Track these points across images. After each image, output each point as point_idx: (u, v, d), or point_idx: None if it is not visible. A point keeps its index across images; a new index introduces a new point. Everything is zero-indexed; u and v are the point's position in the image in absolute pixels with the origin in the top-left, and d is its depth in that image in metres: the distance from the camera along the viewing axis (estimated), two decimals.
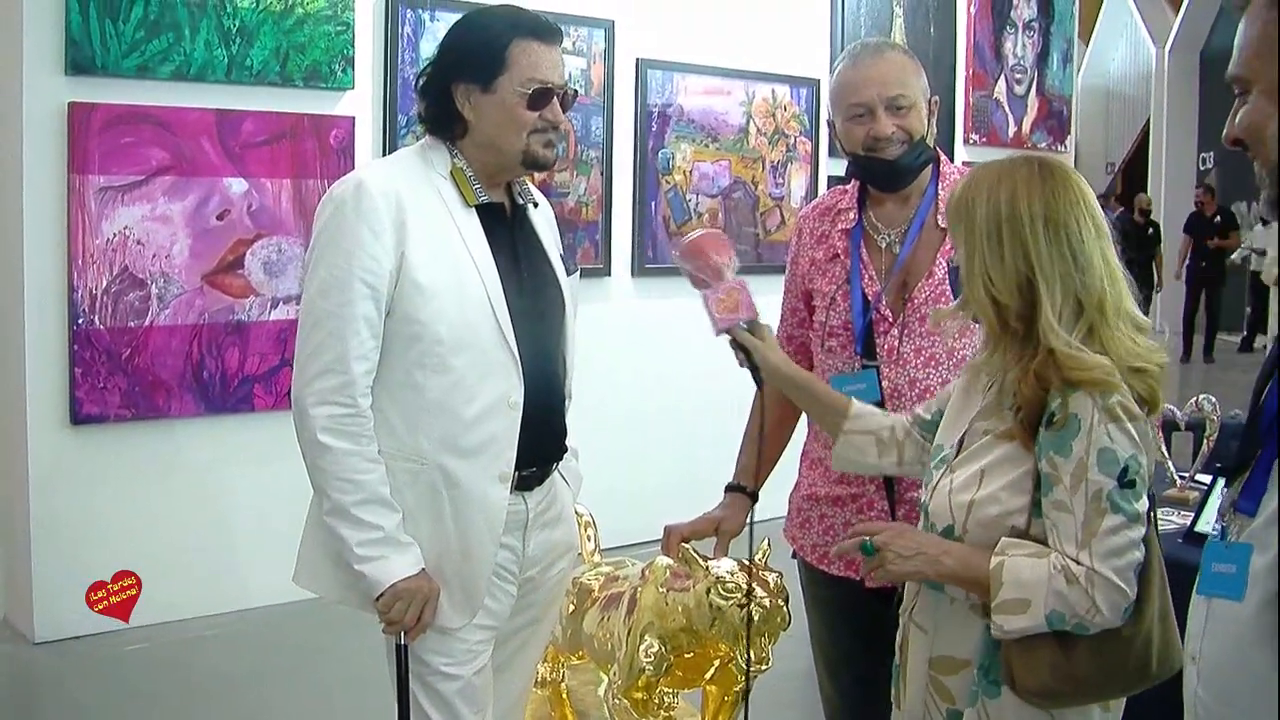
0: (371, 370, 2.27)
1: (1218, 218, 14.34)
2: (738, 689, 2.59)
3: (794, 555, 2.69)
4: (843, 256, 2.57)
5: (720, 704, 2.62)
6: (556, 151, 2.42)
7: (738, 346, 2.30)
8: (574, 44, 5.77)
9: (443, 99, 2.35)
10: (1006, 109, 8.23)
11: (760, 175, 6.60)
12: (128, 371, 4.71)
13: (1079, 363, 1.85)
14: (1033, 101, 8.45)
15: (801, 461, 2.70)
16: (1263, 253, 14.24)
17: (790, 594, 2.43)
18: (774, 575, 2.40)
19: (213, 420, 4.95)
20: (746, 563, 2.41)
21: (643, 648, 2.50)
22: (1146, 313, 2.02)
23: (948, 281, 2.36)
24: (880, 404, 2.46)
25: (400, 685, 2.33)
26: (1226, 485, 1.55)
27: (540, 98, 2.31)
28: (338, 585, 2.35)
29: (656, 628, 2.49)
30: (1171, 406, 3.54)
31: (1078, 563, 1.83)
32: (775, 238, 6.58)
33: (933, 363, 2.46)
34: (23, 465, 4.64)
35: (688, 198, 6.33)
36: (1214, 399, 3.67)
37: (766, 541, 2.52)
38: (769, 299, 2.97)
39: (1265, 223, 13.86)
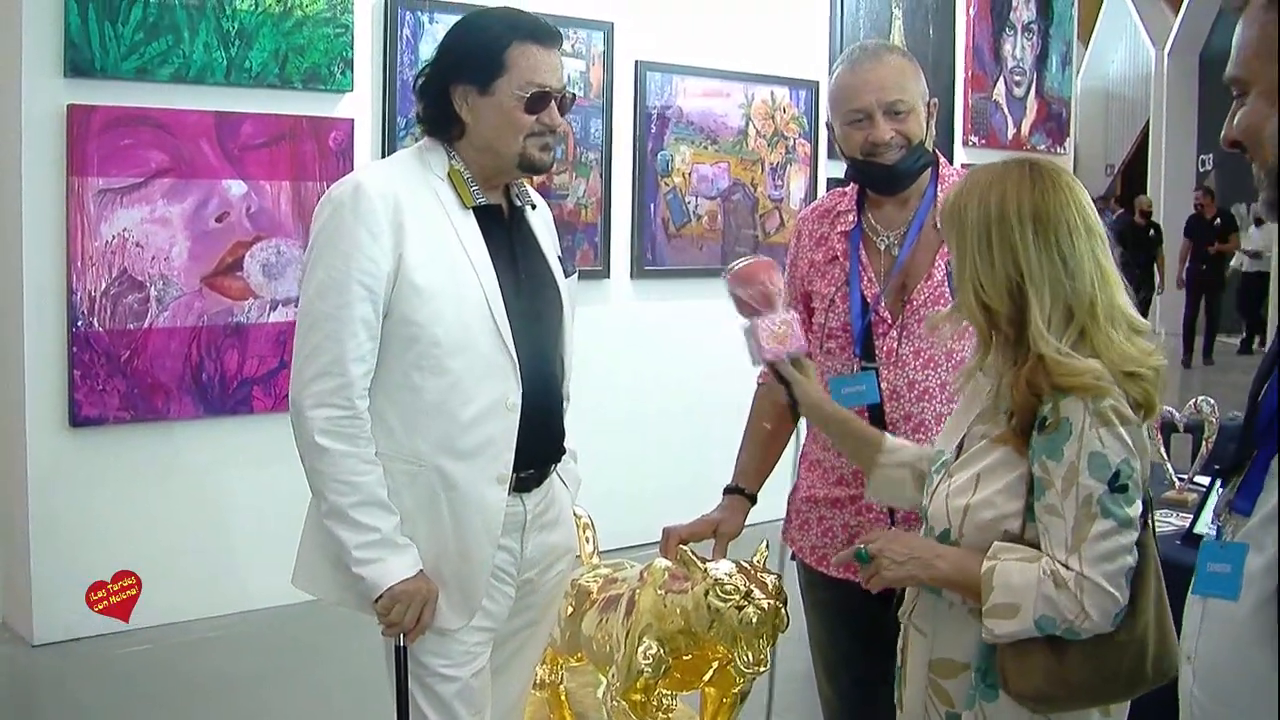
0: (369, 372, 2.27)
1: (1217, 220, 14.34)
2: (736, 691, 2.59)
3: (793, 557, 2.69)
4: (842, 259, 2.57)
5: (719, 706, 2.61)
6: (553, 155, 2.41)
7: (779, 378, 2.29)
8: (573, 46, 5.77)
9: (441, 101, 2.35)
10: (1005, 111, 8.24)
11: (759, 177, 6.60)
12: (127, 374, 4.71)
13: (1068, 369, 1.84)
14: (1032, 103, 8.46)
15: (800, 463, 2.70)
16: (1256, 255, 14.24)
17: (789, 596, 2.42)
18: (772, 577, 2.40)
19: (212, 422, 4.95)
20: (747, 564, 2.41)
21: (641, 650, 2.49)
22: (1146, 315, 2.01)
23: (946, 284, 2.36)
24: (879, 406, 2.46)
25: (399, 687, 2.33)
26: (1222, 486, 1.55)
27: (538, 101, 2.31)
28: (336, 587, 2.35)
29: (655, 630, 2.49)
30: (1170, 408, 3.54)
31: (1067, 567, 1.82)
32: (774, 240, 6.58)
33: (931, 364, 2.46)
34: (22, 467, 4.64)
35: (687, 200, 6.33)
36: (1212, 401, 3.67)
37: (765, 543, 2.52)
38: None
39: (1259, 223, 13.89)
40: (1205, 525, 1.56)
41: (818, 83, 6.66)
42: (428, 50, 5.15)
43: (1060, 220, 1.90)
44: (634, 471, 5.70)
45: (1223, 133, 1.51)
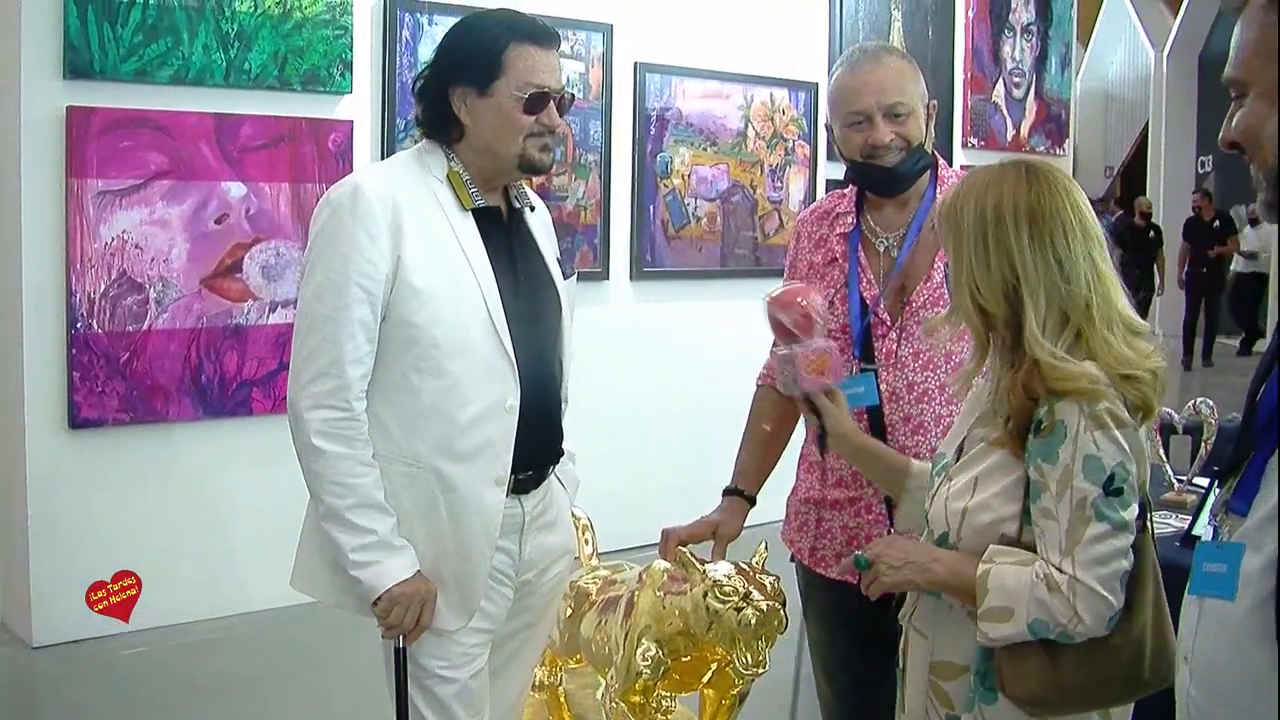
0: (367, 374, 2.27)
1: (1216, 222, 14.34)
2: (735, 692, 2.59)
3: (792, 559, 2.69)
4: (841, 260, 2.58)
5: (718, 707, 2.61)
6: (553, 156, 2.41)
7: (810, 407, 2.28)
8: (572, 48, 5.77)
9: (439, 102, 2.35)
10: (1005, 113, 8.23)
11: (758, 179, 6.60)
12: (126, 375, 4.71)
13: (1063, 373, 1.84)
14: (1031, 105, 8.45)
15: (799, 465, 2.70)
16: (1252, 256, 14.23)
17: (787, 597, 2.42)
18: (771, 578, 2.40)
19: (211, 424, 4.95)
20: (745, 566, 2.41)
21: (640, 651, 2.49)
22: (1145, 317, 2.01)
23: (945, 286, 2.36)
24: (878, 407, 2.46)
25: (398, 688, 2.33)
26: (1219, 486, 1.55)
27: (537, 102, 2.31)
28: (334, 589, 2.35)
29: (654, 631, 2.49)
30: (1169, 410, 3.54)
31: (1061, 571, 1.82)
32: (773, 241, 6.58)
33: (930, 366, 2.46)
34: (21, 469, 4.64)
35: (686, 201, 6.33)
36: (1211, 402, 3.67)
37: (764, 544, 2.52)
38: None
39: (1254, 224, 13.89)
40: (1203, 526, 1.56)
41: (817, 84, 6.66)
42: (427, 52, 5.15)
43: (1056, 222, 1.90)
44: (633, 473, 5.70)
45: (1221, 134, 1.51)
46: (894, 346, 2.47)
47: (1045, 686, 1.85)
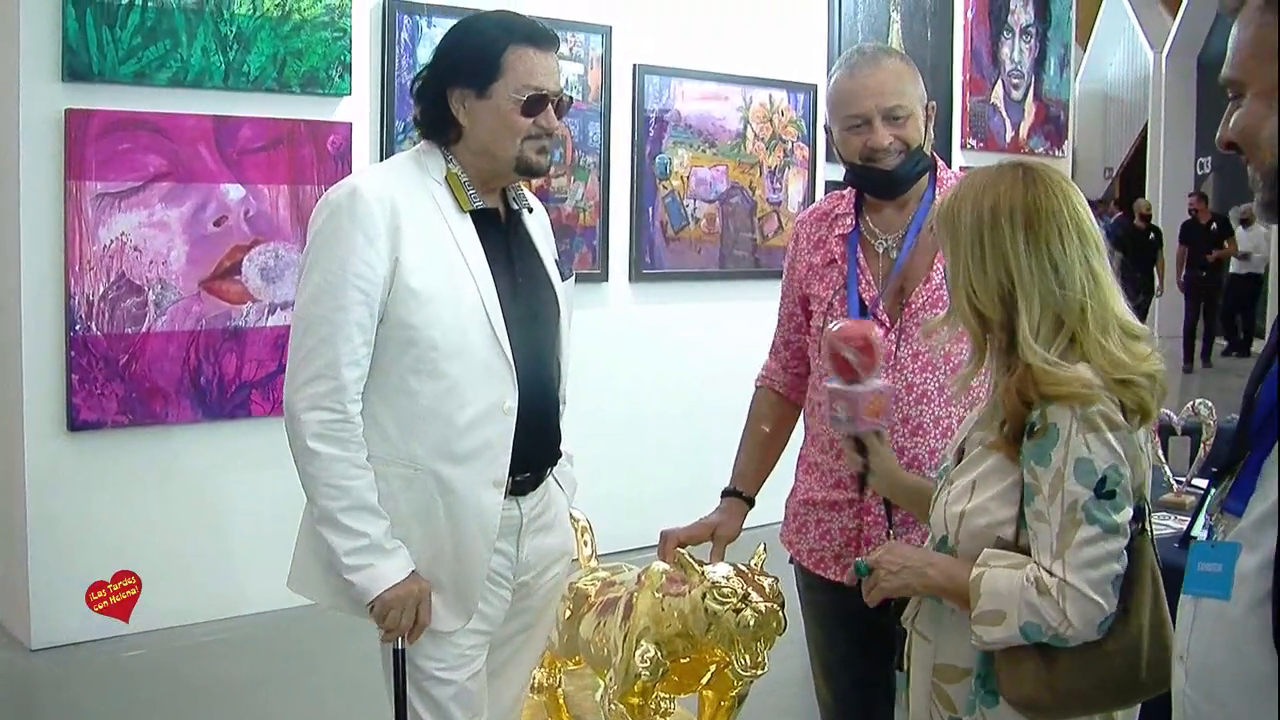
0: (362, 376, 2.26)
1: (1213, 224, 14.34)
2: (734, 694, 2.59)
3: (790, 560, 2.69)
4: (840, 261, 2.57)
5: (717, 709, 2.61)
6: (550, 158, 2.41)
7: (857, 446, 2.24)
8: (571, 49, 5.77)
9: (438, 104, 2.35)
10: (1004, 114, 8.23)
11: (757, 180, 6.60)
12: (125, 378, 4.71)
13: (1055, 378, 1.83)
14: (1030, 106, 8.45)
15: (798, 466, 2.70)
16: (1244, 256, 14.23)
17: (786, 599, 2.42)
18: (770, 580, 2.40)
19: (210, 426, 4.95)
20: (744, 567, 2.41)
21: (639, 653, 2.49)
22: (1144, 320, 2.00)
23: (945, 287, 2.36)
24: None
25: (397, 690, 2.33)
26: (1214, 485, 1.55)
27: (535, 104, 2.31)
28: (330, 591, 2.35)
29: (652, 633, 2.49)
30: (1168, 411, 3.54)
31: (1051, 574, 1.81)
32: (773, 243, 6.58)
33: (930, 367, 2.45)
34: (20, 472, 4.64)
35: (685, 203, 6.33)
36: (1210, 403, 3.68)
37: (762, 546, 2.52)
38: (767, 304, 2.99)
39: (1245, 224, 13.90)
40: (1201, 527, 1.56)
41: (816, 86, 6.66)
42: (426, 54, 5.13)
43: (1052, 225, 1.90)
44: (632, 475, 5.70)
45: (1218, 134, 1.51)
46: (893, 348, 2.47)
47: (1041, 690, 1.84)
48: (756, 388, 2.80)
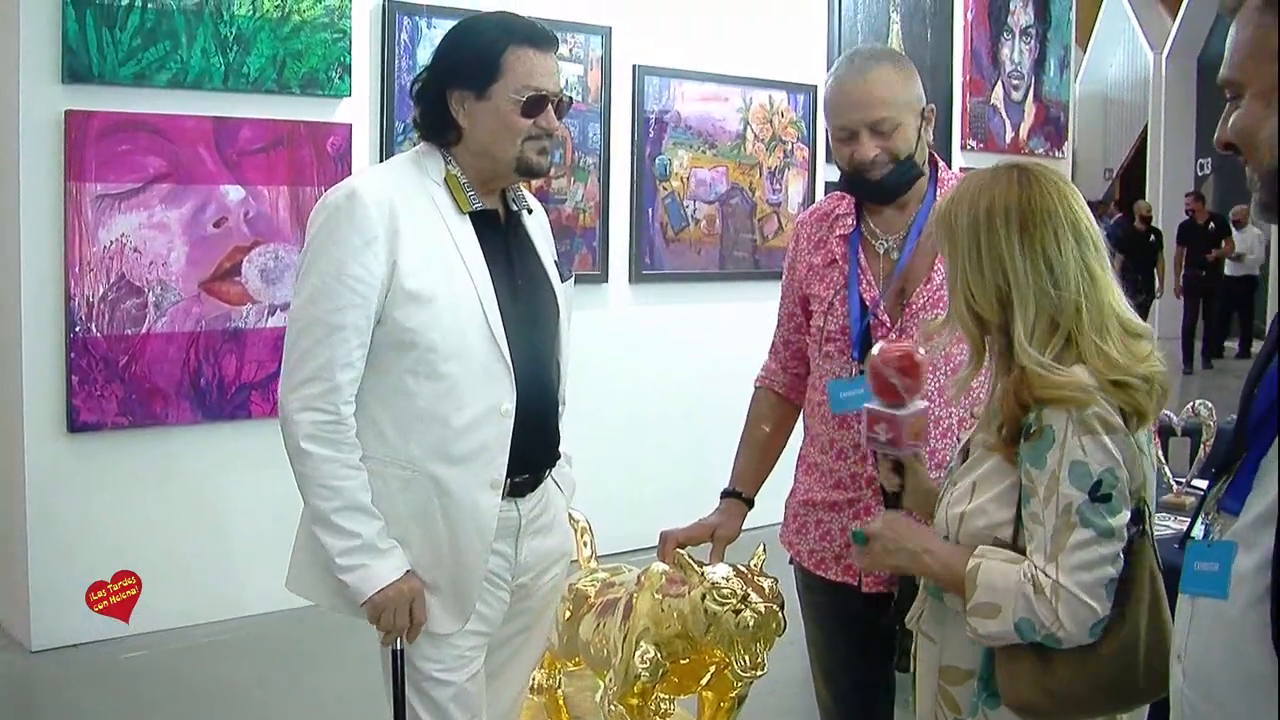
0: (356, 379, 2.26)
1: (1211, 224, 14.33)
2: (733, 695, 2.59)
3: (790, 561, 2.69)
4: (841, 262, 2.57)
5: (716, 709, 2.61)
6: (550, 159, 2.41)
7: (894, 467, 2.19)
8: (571, 50, 5.78)
9: (437, 105, 2.35)
10: (1004, 115, 8.23)
11: (757, 181, 6.60)
12: (125, 379, 4.71)
13: (1049, 381, 1.83)
14: (1030, 107, 8.45)
15: (798, 467, 2.70)
16: (1238, 258, 14.23)
17: (786, 599, 2.42)
18: (769, 580, 2.40)
19: (210, 428, 4.95)
20: (744, 568, 2.41)
21: (638, 654, 2.49)
22: (1144, 320, 2.00)
23: (945, 287, 2.35)
24: None
25: (396, 691, 2.33)
26: (1211, 484, 1.55)
27: (535, 105, 2.31)
28: (329, 593, 2.35)
29: (652, 634, 2.49)
30: (1168, 412, 3.54)
31: (1045, 574, 1.81)
32: (773, 244, 6.58)
33: (930, 369, 2.45)
34: (20, 473, 4.64)
35: (685, 204, 6.33)
36: (1210, 404, 3.68)
37: (762, 547, 2.52)
38: (767, 305, 2.99)
39: (1239, 225, 13.91)
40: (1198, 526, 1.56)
41: (815, 87, 6.65)
42: (425, 55, 5.14)
43: (1047, 225, 1.89)
44: (632, 476, 5.70)
45: (1216, 135, 1.50)
46: None
47: (1037, 693, 1.84)
48: (756, 388, 2.80)
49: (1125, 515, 1.83)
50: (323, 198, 2.33)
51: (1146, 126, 17.91)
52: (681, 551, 2.46)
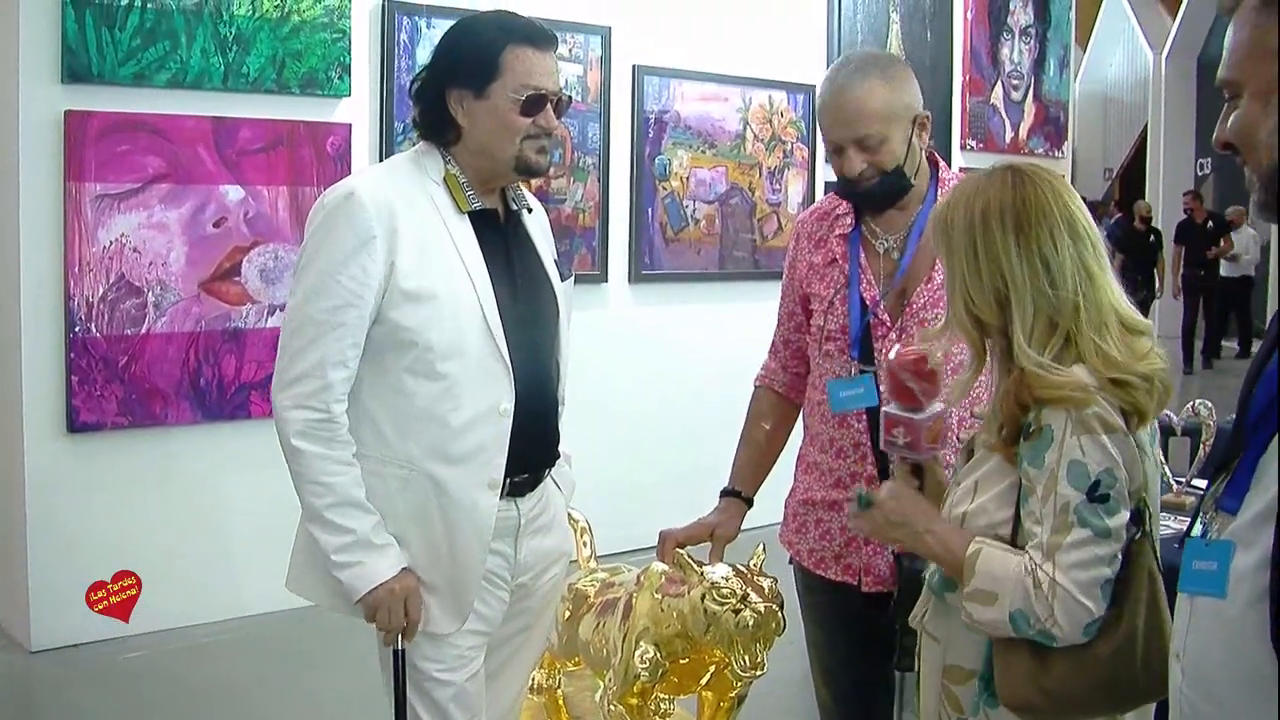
0: (349, 377, 2.26)
1: (1209, 224, 14.33)
2: (733, 694, 2.59)
3: (790, 561, 2.69)
4: (841, 261, 2.57)
5: (716, 709, 2.61)
6: (550, 158, 2.41)
7: (912, 470, 2.17)
8: (570, 50, 5.78)
9: (436, 105, 2.34)
10: (1004, 115, 8.23)
11: (757, 181, 6.61)
12: (124, 379, 4.71)
13: (1048, 382, 1.83)
14: (1030, 107, 8.45)
15: (797, 466, 2.70)
16: (1233, 258, 14.23)
17: (785, 599, 2.42)
18: (769, 580, 2.40)
19: (209, 428, 4.95)
20: (743, 568, 2.41)
21: (638, 654, 2.49)
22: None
23: (945, 287, 2.35)
24: (878, 409, 2.46)
25: (396, 691, 2.33)
26: (1209, 483, 1.54)
27: (534, 104, 2.31)
28: (328, 592, 2.34)
29: (651, 634, 2.49)
30: (1168, 412, 3.54)
31: (1043, 571, 1.81)
32: (772, 244, 6.58)
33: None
34: (20, 473, 4.64)
35: (685, 204, 6.33)
36: (1210, 404, 3.67)
37: (762, 546, 2.52)
38: (767, 305, 2.99)
39: (1233, 227, 13.92)
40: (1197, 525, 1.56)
41: (815, 87, 6.63)
42: (425, 55, 5.14)
43: (1041, 225, 1.89)
44: (632, 476, 5.70)
45: (1215, 135, 1.50)
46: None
47: (1034, 692, 1.84)
48: (755, 387, 2.80)
49: (1124, 516, 1.83)
50: (321, 197, 2.33)
51: (1146, 126, 17.91)
52: (681, 551, 2.46)
